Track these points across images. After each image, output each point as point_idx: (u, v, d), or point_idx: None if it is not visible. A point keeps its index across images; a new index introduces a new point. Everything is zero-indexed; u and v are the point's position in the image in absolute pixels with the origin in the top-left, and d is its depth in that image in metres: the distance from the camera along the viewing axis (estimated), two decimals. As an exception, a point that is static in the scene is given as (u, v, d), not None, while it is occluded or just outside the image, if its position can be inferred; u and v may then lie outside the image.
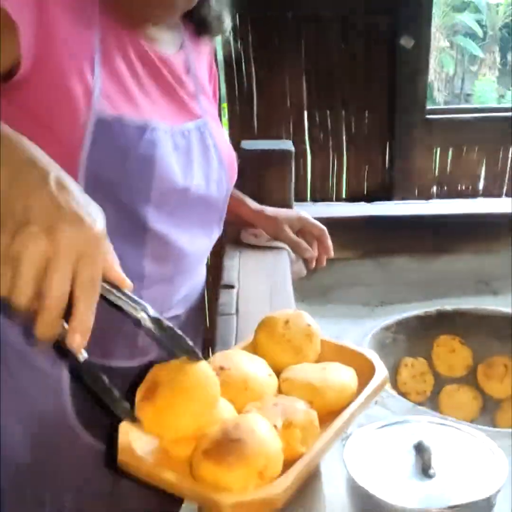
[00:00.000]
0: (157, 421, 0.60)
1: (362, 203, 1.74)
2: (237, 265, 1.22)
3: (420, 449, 0.75)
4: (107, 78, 0.80)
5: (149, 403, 0.61)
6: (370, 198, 1.95)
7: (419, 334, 1.37)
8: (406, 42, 1.92)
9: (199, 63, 0.97)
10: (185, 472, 0.60)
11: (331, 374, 0.74)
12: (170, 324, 0.60)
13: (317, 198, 1.96)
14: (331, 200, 1.96)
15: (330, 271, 1.41)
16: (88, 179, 0.78)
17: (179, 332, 0.61)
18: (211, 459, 0.57)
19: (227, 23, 0.95)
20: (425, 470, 0.72)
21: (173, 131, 0.86)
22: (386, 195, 1.96)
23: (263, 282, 1.14)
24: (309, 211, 1.29)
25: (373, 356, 0.79)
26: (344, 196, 2.04)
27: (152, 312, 0.59)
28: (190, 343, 0.61)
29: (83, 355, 0.59)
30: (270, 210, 1.26)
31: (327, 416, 0.69)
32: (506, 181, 2.17)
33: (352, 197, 2.01)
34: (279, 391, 0.74)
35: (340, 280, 1.52)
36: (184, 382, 0.61)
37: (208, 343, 1.02)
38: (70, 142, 0.77)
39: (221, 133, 0.99)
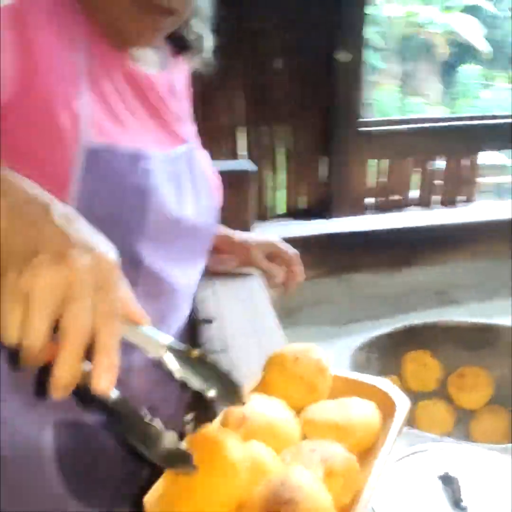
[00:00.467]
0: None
1: (316, 219, 1.73)
2: (211, 296, 1.18)
3: (447, 480, 0.74)
4: (94, 103, 0.75)
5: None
6: (308, 214, 1.96)
7: (389, 351, 1.38)
8: (343, 56, 1.95)
9: (180, 83, 0.93)
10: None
11: (354, 411, 0.72)
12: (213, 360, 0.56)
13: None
14: (266, 219, 1.95)
15: (293, 292, 1.39)
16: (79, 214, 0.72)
17: (224, 368, 0.57)
18: None
19: (209, 41, 0.92)
20: (456, 503, 0.71)
21: (165, 158, 0.82)
22: (323, 210, 1.97)
23: (242, 312, 1.11)
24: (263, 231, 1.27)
25: (388, 387, 0.77)
26: (281, 213, 2.04)
27: (186, 347, 0.56)
28: (238, 381, 0.57)
29: (114, 393, 0.54)
30: (239, 236, 1.24)
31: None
32: (438, 191, 2.24)
33: (290, 214, 2.02)
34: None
35: (304, 300, 1.51)
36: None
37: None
38: (59, 174, 0.72)
39: (205, 158, 0.95)
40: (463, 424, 1.34)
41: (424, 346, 1.41)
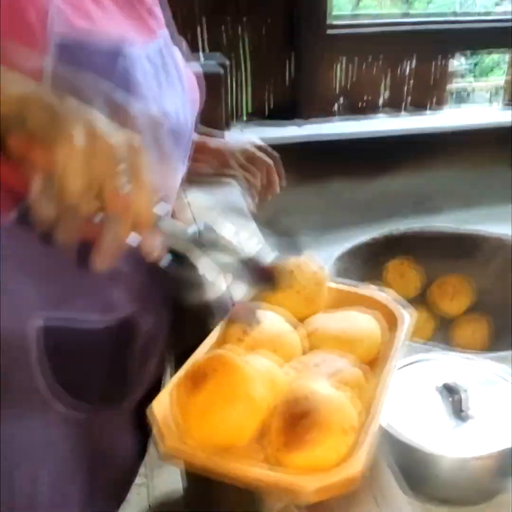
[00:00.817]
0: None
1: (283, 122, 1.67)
2: (187, 206, 1.13)
3: (447, 390, 0.73)
4: None
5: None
6: (275, 117, 1.90)
7: (370, 260, 1.37)
8: None
9: None
10: (244, 456, 0.55)
11: (356, 322, 0.71)
12: None
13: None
14: (230, 120, 1.87)
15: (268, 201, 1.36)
16: None
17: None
18: (295, 447, 0.54)
19: None
20: (458, 413, 0.71)
21: (142, 53, 0.74)
22: (289, 113, 1.90)
23: (221, 220, 1.06)
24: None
25: (387, 299, 0.75)
26: (244, 115, 1.97)
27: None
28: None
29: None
30: (214, 141, 1.17)
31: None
32: (406, 95, 2.18)
33: (255, 116, 1.95)
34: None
35: (278, 209, 1.46)
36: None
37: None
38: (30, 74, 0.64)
39: (178, 53, 0.88)
40: (443, 331, 1.35)
41: (405, 254, 1.40)
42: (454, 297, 1.36)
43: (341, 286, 0.80)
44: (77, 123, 0.50)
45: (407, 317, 0.73)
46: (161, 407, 0.58)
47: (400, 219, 1.49)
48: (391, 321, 0.73)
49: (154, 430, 0.56)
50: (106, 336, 0.80)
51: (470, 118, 1.87)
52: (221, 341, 0.68)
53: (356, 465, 0.53)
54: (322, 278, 0.77)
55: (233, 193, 1.19)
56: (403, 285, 1.38)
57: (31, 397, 0.78)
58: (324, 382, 0.60)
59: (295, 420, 0.54)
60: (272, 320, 0.70)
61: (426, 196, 1.62)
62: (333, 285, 0.79)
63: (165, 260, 0.57)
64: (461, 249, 1.41)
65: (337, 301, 0.77)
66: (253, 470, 0.53)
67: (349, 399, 0.58)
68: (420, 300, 1.38)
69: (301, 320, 0.74)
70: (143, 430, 0.88)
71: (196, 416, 0.55)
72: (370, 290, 0.78)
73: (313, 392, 0.56)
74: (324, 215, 1.53)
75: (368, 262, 1.38)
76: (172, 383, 0.59)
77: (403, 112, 2.17)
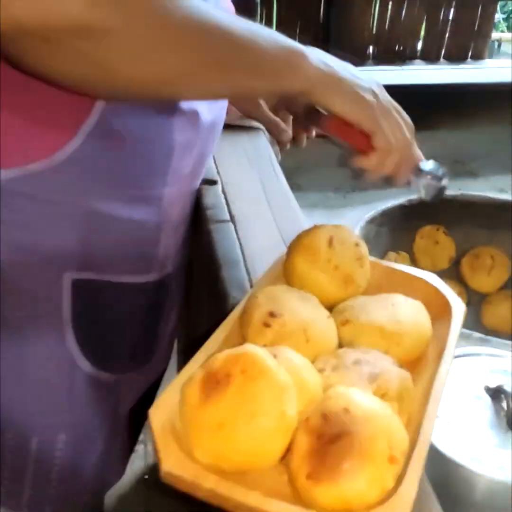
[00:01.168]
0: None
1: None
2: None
3: (499, 393, 0.64)
4: None
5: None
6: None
7: (402, 225, 1.26)
8: None
9: None
10: (265, 482, 0.46)
11: (403, 313, 0.60)
12: None
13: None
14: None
15: (291, 151, 1.24)
16: None
17: None
18: (327, 478, 0.43)
19: None
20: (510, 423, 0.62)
21: None
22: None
23: (248, 173, 0.96)
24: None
25: (438, 282, 0.65)
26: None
27: None
28: None
29: None
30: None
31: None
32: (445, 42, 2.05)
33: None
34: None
35: (303, 162, 1.35)
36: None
37: (201, 262, 0.84)
38: None
39: None
40: (474, 308, 1.25)
41: (438, 221, 1.29)
42: (491, 271, 1.25)
43: (383, 263, 0.69)
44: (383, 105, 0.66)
45: (463, 308, 0.62)
46: (162, 413, 0.48)
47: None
48: (439, 311, 0.63)
49: (153, 443, 0.47)
50: (142, 294, 0.78)
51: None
52: (243, 326, 0.58)
53: (405, 503, 0.43)
54: (364, 252, 0.67)
55: (260, 141, 1.07)
56: (434, 254, 1.28)
57: (60, 356, 0.74)
58: (366, 390, 0.50)
59: (328, 442, 0.45)
60: (304, 301, 0.60)
61: (464, 158, 1.49)
62: (376, 262, 0.69)
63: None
64: (498, 219, 1.30)
65: (378, 282, 0.67)
66: (275, 504, 0.43)
67: (395, 413, 0.49)
68: (450, 273, 1.28)
69: (336, 303, 0.64)
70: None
71: (210, 430, 0.45)
72: (418, 270, 0.68)
73: (353, 404, 0.46)
74: (352, 173, 1.41)
75: (399, 227, 1.28)
76: (177, 384, 0.50)
77: (441, 61, 2.02)
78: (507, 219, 1.27)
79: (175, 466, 0.45)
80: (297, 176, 1.37)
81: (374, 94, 0.64)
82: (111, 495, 1.03)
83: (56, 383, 0.76)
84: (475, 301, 1.27)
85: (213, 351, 0.54)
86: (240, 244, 0.79)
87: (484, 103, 1.48)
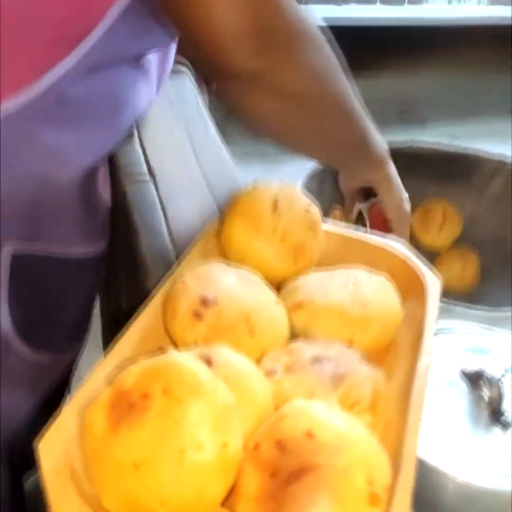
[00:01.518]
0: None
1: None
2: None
3: (477, 381, 0.54)
4: None
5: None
6: None
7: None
8: None
9: None
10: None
11: (367, 292, 0.49)
12: None
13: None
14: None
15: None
16: None
17: None
18: None
19: None
20: (492, 416, 0.52)
21: None
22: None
23: (171, 122, 0.82)
24: None
25: (404, 251, 0.54)
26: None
27: None
28: None
29: None
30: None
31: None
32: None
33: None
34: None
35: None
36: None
37: (118, 229, 0.70)
38: None
39: None
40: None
41: (386, 174, 1.19)
42: (443, 227, 1.16)
43: (339, 230, 0.58)
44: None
45: (438, 283, 0.52)
46: (55, 447, 0.36)
47: (381, 130, 1.26)
48: (409, 287, 0.52)
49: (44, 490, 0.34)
50: (89, 267, 0.71)
51: (466, 12, 1.62)
52: (167, 317, 0.45)
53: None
54: (317, 218, 0.55)
55: (185, 85, 0.93)
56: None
57: None
58: (330, 399, 0.39)
59: (286, 481, 0.33)
60: (245, 282, 0.48)
61: (412, 103, 1.39)
62: (327, 228, 0.57)
63: None
64: (449, 170, 1.20)
65: (333, 253, 0.56)
66: None
67: (369, 427, 0.38)
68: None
69: (284, 282, 0.52)
70: None
71: (123, 471, 0.33)
72: (380, 238, 0.56)
73: (317, 426, 0.35)
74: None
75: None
76: (76, 404, 0.37)
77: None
78: (459, 169, 1.18)
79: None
80: (228, 124, 1.24)
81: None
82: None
83: None
84: (427, 259, 1.18)
85: (126, 355, 0.41)
86: (163, 207, 0.66)
87: (430, 43, 1.38)
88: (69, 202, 0.62)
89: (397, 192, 0.76)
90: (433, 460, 0.51)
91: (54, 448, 0.35)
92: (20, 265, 0.63)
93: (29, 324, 0.68)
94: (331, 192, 1.14)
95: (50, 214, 0.62)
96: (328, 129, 0.61)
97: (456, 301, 0.76)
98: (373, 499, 0.34)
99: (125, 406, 0.34)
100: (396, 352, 0.48)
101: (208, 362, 0.38)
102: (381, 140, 0.71)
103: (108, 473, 0.34)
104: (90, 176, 0.62)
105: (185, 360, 0.35)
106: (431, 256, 1.19)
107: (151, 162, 0.73)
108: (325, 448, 0.34)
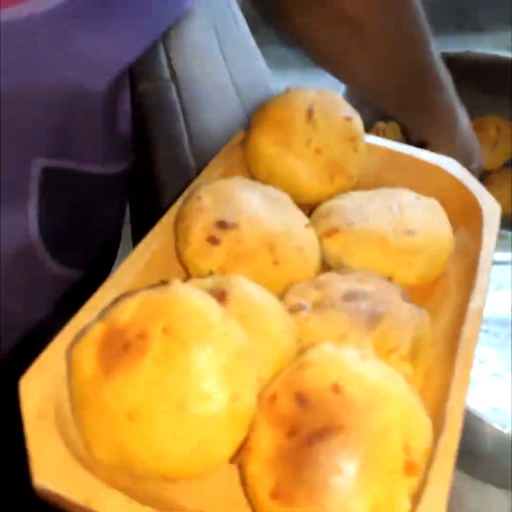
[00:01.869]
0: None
1: None
2: None
3: None
4: None
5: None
6: None
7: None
8: None
9: None
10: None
11: (414, 217, 0.43)
12: None
13: None
14: None
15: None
16: None
17: None
18: (297, 500, 0.28)
19: None
20: None
21: None
22: None
23: (197, 16, 0.74)
24: None
25: (464, 174, 0.47)
26: None
27: None
28: None
29: None
30: None
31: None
32: None
33: None
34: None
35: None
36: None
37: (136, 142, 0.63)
38: None
39: None
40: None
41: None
42: (496, 145, 1.07)
43: (383, 143, 0.51)
44: None
45: (497, 208, 0.45)
46: (40, 387, 0.31)
47: (436, 37, 1.16)
48: (463, 214, 0.46)
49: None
50: (112, 186, 0.66)
51: None
52: (179, 240, 0.40)
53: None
54: (358, 130, 0.48)
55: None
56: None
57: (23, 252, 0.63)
58: (364, 344, 0.34)
59: (306, 441, 0.28)
60: (271, 202, 0.41)
61: (467, 8, 1.27)
62: (370, 140, 0.50)
63: None
64: (505, 84, 1.10)
65: (375, 171, 0.49)
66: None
67: (409, 381, 0.32)
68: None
69: (318, 203, 0.45)
70: None
71: (115, 421, 0.29)
72: (432, 154, 0.49)
73: (347, 378, 0.30)
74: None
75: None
76: (64, 339, 0.32)
77: None
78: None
79: (56, 478, 0.29)
80: (263, 25, 1.14)
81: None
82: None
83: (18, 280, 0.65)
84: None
85: (127, 286, 0.36)
86: (185, 115, 0.59)
87: None
88: (99, 115, 0.57)
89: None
90: (472, 404, 0.46)
91: (37, 388, 0.31)
92: (50, 179, 0.59)
93: (59, 239, 0.64)
94: (374, 108, 1.06)
95: (80, 128, 0.57)
96: (387, 69, 0.59)
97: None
98: (409, 468, 0.28)
99: (119, 346, 0.29)
100: (444, 289, 0.42)
101: (222, 295, 0.33)
102: (457, 108, 0.67)
103: (99, 421, 0.30)
104: (119, 84, 0.56)
105: (192, 294, 0.30)
106: (480, 177, 1.11)
107: (174, 65, 0.66)
108: (355, 406, 0.29)
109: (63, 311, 0.69)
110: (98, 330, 0.30)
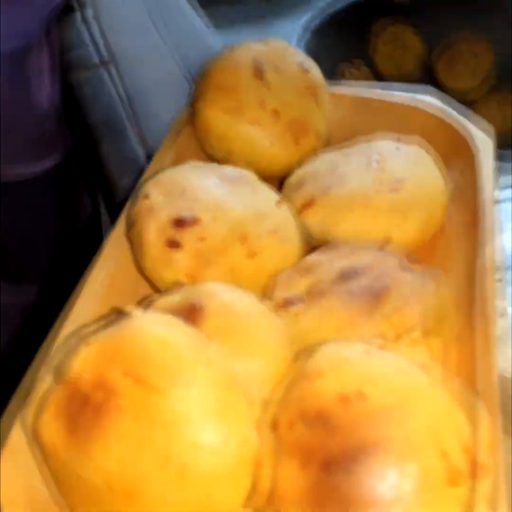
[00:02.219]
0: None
1: None
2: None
3: None
4: None
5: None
6: None
7: (351, 31, 0.99)
8: None
9: None
10: None
11: (398, 167, 0.37)
12: None
13: None
14: None
15: None
16: None
17: None
18: None
19: None
20: None
21: None
22: None
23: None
24: None
25: (446, 112, 0.42)
26: None
27: None
28: None
29: None
30: None
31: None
32: None
33: None
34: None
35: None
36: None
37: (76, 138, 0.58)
38: None
39: None
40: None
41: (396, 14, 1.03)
42: (476, 68, 1.01)
43: (348, 91, 0.45)
44: None
45: (491, 141, 0.40)
46: (11, 479, 0.26)
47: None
48: (451, 155, 0.40)
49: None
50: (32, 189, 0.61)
51: None
52: (136, 249, 0.34)
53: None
54: (317, 80, 0.43)
55: None
56: (399, 58, 1.03)
57: None
58: (371, 336, 0.29)
59: (326, 468, 0.24)
60: (233, 184, 0.36)
61: None
62: (333, 90, 0.45)
63: None
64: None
65: (346, 123, 0.43)
66: None
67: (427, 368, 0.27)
68: (423, 78, 1.04)
69: (286, 172, 0.40)
70: None
71: (97, 494, 0.24)
72: (406, 94, 0.44)
73: (371, 380, 0.25)
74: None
75: (349, 34, 1.01)
76: (26, 415, 0.27)
77: None
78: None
79: None
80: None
81: None
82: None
83: None
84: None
85: (87, 318, 0.30)
86: (128, 98, 0.53)
87: None
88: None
89: None
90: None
91: (11, 481, 0.26)
92: None
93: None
94: (338, 50, 1.01)
95: None
96: None
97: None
98: (452, 476, 0.24)
99: (87, 409, 0.24)
100: (446, 244, 0.37)
101: (195, 312, 0.28)
102: None
103: (81, 499, 0.25)
104: (19, 64, 0.50)
105: (151, 325, 0.25)
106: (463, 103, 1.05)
107: (106, 42, 0.60)
108: (371, 417, 0.24)
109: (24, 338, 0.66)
110: (59, 396, 0.25)
